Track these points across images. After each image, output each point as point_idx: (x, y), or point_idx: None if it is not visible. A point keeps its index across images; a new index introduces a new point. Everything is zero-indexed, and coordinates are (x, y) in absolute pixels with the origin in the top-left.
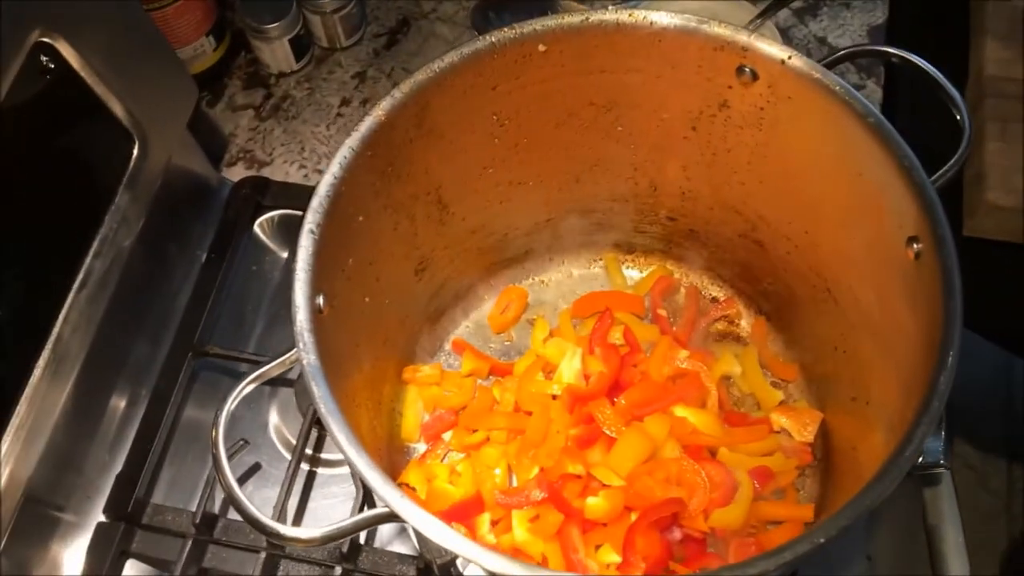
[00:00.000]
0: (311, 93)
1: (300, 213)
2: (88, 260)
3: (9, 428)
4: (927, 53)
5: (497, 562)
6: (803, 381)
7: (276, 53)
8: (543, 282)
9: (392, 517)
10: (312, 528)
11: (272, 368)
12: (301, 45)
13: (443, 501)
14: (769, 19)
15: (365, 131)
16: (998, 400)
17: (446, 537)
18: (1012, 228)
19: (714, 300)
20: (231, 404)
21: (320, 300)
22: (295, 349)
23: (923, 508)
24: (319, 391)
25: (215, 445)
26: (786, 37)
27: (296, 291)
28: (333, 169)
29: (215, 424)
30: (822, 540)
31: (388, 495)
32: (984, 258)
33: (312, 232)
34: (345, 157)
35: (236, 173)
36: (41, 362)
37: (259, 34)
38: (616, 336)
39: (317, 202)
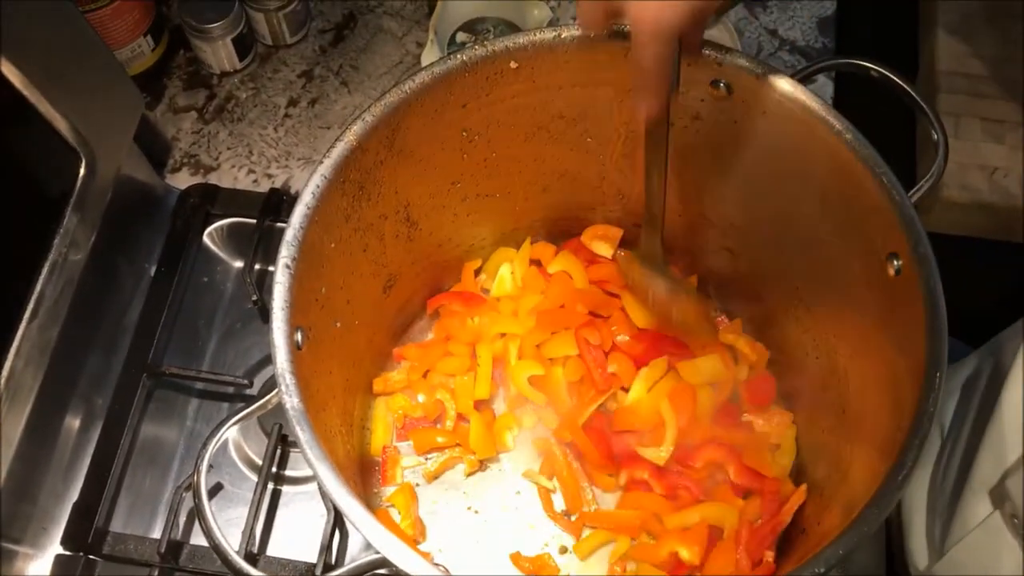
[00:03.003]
0: (256, 93)
1: (252, 221)
2: (38, 288)
3: None
4: (876, 45)
5: None
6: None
7: (218, 53)
8: None
9: (385, 563)
10: None
11: (252, 411)
12: (244, 44)
13: None
14: (723, 18)
15: (337, 157)
16: None
17: None
18: (968, 223)
19: None
20: (211, 450)
21: (298, 336)
22: (275, 391)
23: None
24: (305, 436)
25: (198, 495)
26: (736, 30)
27: (275, 330)
28: (306, 199)
29: (196, 471)
30: (822, 570)
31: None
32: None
33: (288, 267)
34: (318, 186)
35: (181, 180)
36: None
37: (200, 34)
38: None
39: (292, 234)
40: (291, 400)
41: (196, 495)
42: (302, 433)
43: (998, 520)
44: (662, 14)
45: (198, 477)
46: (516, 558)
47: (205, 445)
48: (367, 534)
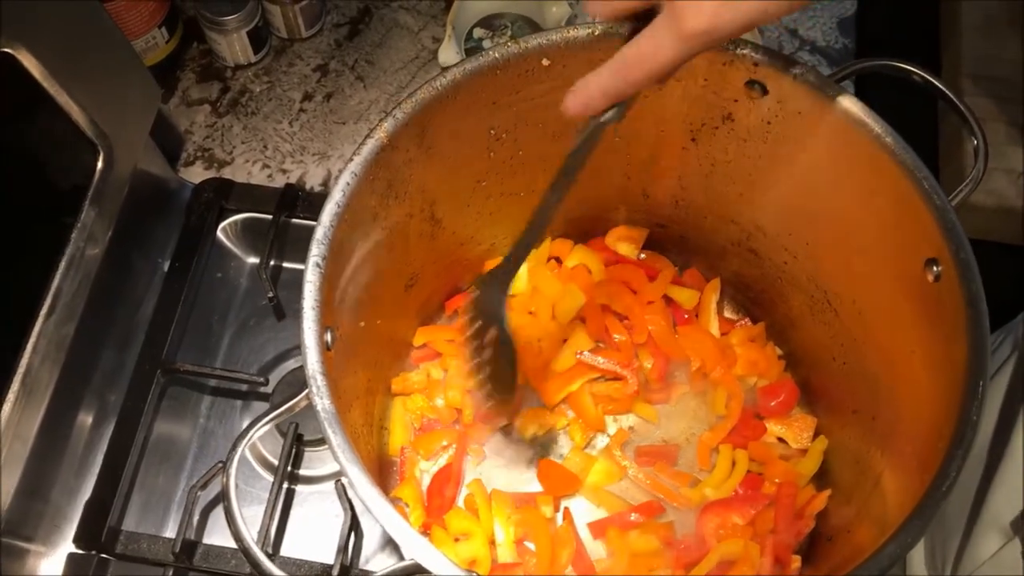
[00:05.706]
0: (271, 87)
1: (267, 216)
2: (56, 283)
3: None
4: (896, 46)
5: None
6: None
7: (233, 45)
8: None
9: (418, 570)
10: None
11: (281, 413)
12: (259, 36)
13: None
14: None
15: (367, 154)
16: None
17: None
18: (990, 228)
19: None
20: (240, 452)
21: (328, 336)
22: (304, 391)
23: None
24: (337, 439)
25: (227, 497)
26: (758, 29)
27: (305, 331)
28: (336, 197)
29: (226, 473)
30: None
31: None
32: None
33: (318, 266)
34: (348, 183)
35: (195, 174)
36: (11, 396)
37: (215, 26)
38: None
39: (322, 233)
40: (322, 402)
41: (226, 497)
42: (334, 436)
43: (1012, 554)
44: (717, 20)
45: (227, 479)
46: None
47: (235, 446)
48: (403, 542)
